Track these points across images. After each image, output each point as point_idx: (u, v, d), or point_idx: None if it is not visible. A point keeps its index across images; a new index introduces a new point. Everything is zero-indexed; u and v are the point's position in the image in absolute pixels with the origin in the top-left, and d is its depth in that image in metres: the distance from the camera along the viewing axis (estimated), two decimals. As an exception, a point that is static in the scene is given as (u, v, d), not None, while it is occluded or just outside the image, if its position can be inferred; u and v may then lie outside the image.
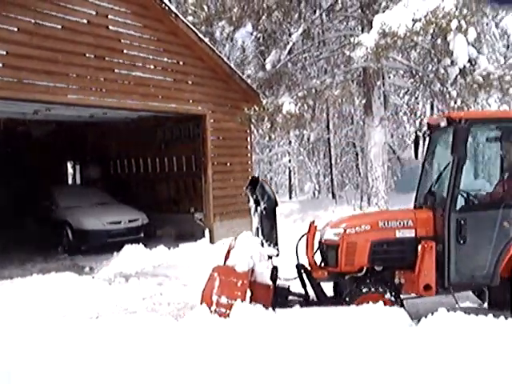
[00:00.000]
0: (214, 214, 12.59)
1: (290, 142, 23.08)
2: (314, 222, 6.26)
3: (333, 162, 19.20)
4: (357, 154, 20.68)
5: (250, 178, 6.22)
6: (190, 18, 14.21)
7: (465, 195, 5.71)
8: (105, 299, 7.46)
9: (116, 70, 10.50)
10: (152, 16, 11.16)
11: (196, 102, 12.23)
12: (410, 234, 5.74)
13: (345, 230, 5.72)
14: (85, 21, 9.88)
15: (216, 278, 5.38)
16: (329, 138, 18.63)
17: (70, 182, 19.35)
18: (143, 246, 10.95)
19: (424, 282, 5.53)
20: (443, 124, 5.83)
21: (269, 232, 5.77)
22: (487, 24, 20.26)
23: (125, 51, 10.67)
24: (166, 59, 11.54)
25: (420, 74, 13.38)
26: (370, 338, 4.38)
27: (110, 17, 10.40)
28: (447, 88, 12.09)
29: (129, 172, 15.62)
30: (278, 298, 5.60)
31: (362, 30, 13.15)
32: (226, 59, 13.58)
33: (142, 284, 8.51)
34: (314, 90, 12.93)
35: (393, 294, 5.52)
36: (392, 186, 18.12)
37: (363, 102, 14.38)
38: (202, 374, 3.82)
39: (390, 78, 18.03)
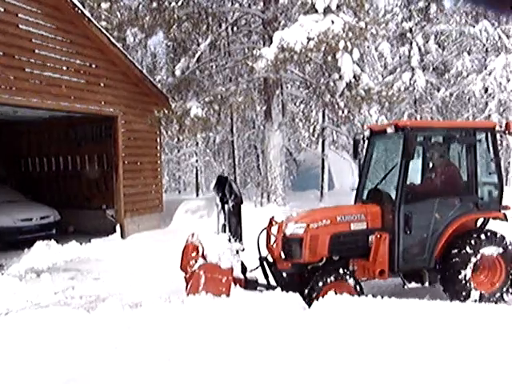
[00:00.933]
0: (125, 210, 12.20)
1: (197, 143, 22.95)
2: (273, 217, 6.44)
3: (236, 162, 19.36)
4: (258, 156, 21.01)
5: (217, 177, 6.16)
6: (104, 23, 13.60)
7: (409, 192, 6.01)
8: (15, 295, 6.93)
9: (27, 69, 9.79)
10: (65, 18, 10.54)
11: (108, 104, 11.77)
12: (363, 226, 6.01)
13: (308, 225, 5.80)
14: (-8, 17, 9.12)
15: (201, 276, 5.21)
16: (233, 141, 18.75)
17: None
18: (55, 242, 10.33)
19: (379, 267, 5.82)
20: (390, 131, 6.06)
21: (235, 228, 5.73)
22: (368, 47, 21.50)
23: (36, 51, 9.97)
24: (78, 61, 10.95)
25: (313, 85, 13.86)
26: (266, 321, 4.44)
27: (20, 15, 9.65)
28: (336, 99, 12.65)
29: (41, 170, 14.65)
30: (248, 289, 5.58)
31: (264, 44, 13.37)
32: (137, 64, 13.18)
33: (54, 279, 8.01)
34: (219, 96, 12.94)
35: (353, 278, 5.71)
36: (289, 184, 18.63)
37: (264, 108, 14.62)
38: (113, 364, 3.68)
39: (287, 88, 18.52)
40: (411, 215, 5.92)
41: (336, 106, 12.71)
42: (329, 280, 5.53)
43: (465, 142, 6.37)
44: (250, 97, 14.45)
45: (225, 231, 5.78)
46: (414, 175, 6.53)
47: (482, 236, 6.11)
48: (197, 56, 13.76)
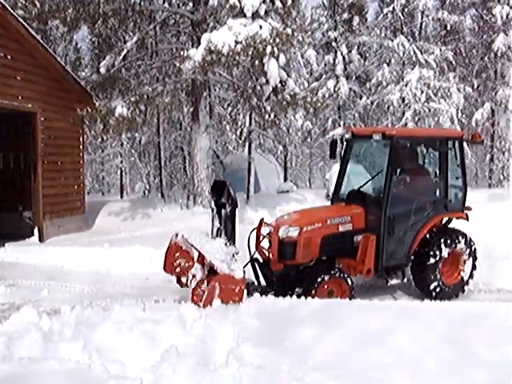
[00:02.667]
0: (44, 212, 11.57)
1: (122, 143, 22.31)
2: (263, 219, 6.71)
3: (162, 164, 19.01)
4: (184, 158, 20.81)
5: (213, 181, 6.24)
6: (21, 13, 12.79)
7: (395, 195, 6.41)
8: None
9: None
10: (-23, 6, 9.85)
11: (26, 99, 11.11)
12: (349, 227, 6.37)
13: (302, 228, 6.06)
14: None
15: (216, 288, 5.21)
16: (159, 142, 18.39)
17: None
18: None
19: (367, 266, 6.23)
20: (378, 138, 6.39)
21: (230, 232, 5.82)
22: (295, 53, 22.04)
23: None
24: (-8, 52, 10.28)
25: (241, 88, 13.98)
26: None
27: None
28: (263, 103, 12.83)
29: None
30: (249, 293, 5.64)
31: (192, 45, 13.28)
32: (59, 59, 12.59)
33: (-38, 286, 7.44)
34: (145, 96, 12.68)
35: (346, 275, 6.09)
36: (215, 186, 18.60)
37: (191, 110, 14.53)
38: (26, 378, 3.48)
39: (215, 90, 18.50)
40: (394, 217, 6.38)
41: (263, 110, 12.90)
42: (326, 277, 5.90)
43: (439, 149, 6.93)
44: (178, 98, 14.32)
45: (219, 235, 5.84)
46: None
47: (449, 235, 6.73)
48: (123, 54, 13.38)
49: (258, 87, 12.70)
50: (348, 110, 25.32)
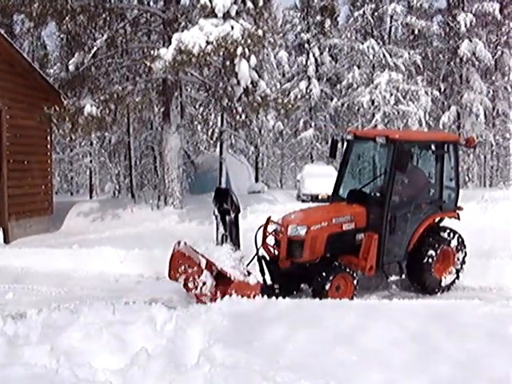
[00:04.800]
0: (10, 213, 11.25)
1: (92, 143, 21.92)
2: (270, 217, 6.87)
3: (133, 163, 18.76)
4: (155, 158, 20.58)
5: (215, 188, 6.45)
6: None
7: (396, 196, 6.77)
8: None
9: None
10: None
11: (-10, 96, 10.82)
12: (352, 226, 6.66)
13: (309, 227, 6.32)
14: None
15: (232, 295, 5.37)
16: (129, 141, 18.14)
17: None
18: None
19: (369, 263, 6.50)
20: (381, 141, 6.72)
21: (235, 238, 6.09)
22: (267, 55, 22.12)
23: None
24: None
25: (212, 89, 13.93)
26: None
27: None
28: (234, 104, 12.82)
29: None
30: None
31: (164, 45, 13.16)
32: (25, 55, 12.28)
33: None
34: (115, 95, 12.51)
35: (352, 271, 6.41)
36: (186, 187, 18.49)
37: (162, 109, 14.39)
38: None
39: (187, 90, 18.40)
40: (395, 217, 6.69)
41: (234, 111, 12.89)
42: (336, 274, 6.25)
43: (436, 151, 7.22)
44: (148, 97, 14.16)
45: (223, 241, 6.05)
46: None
47: (442, 233, 7.10)
48: (93, 52, 13.15)
49: (229, 88, 12.68)
50: (319, 111, 25.58)
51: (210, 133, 21.26)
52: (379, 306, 5.07)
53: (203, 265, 5.78)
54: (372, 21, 23.02)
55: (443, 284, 7.09)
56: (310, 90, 24.55)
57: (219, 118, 18.11)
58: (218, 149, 19.09)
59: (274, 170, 31.03)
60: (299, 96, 23.60)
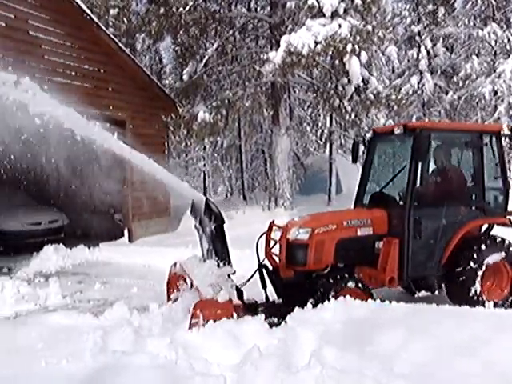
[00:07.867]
0: (133, 214, 12.26)
1: (205, 147, 23.00)
2: (273, 221, 6.10)
3: (244, 166, 19.36)
4: (265, 160, 21.01)
5: (191, 201, 5.44)
6: (111, 30, 13.75)
7: (418, 196, 5.72)
8: (24, 299, 6.97)
9: (37, 75, 9.87)
10: (73, 24, 10.66)
11: (116, 109, 11.83)
12: (369, 231, 5.73)
13: (313, 230, 5.47)
14: (3, 23, 9.23)
15: (199, 315, 4.54)
16: (240, 145, 18.76)
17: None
18: (63, 246, 10.42)
19: (389, 275, 5.55)
20: (399, 131, 5.83)
21: (221, 251, 5.12)
22: (376, 51, 21.45)
23: (46, 57, 10.09)
24: (86, 66, 11.06)
25: (321, 89, 13.87)
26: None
27: (30, 22, 9.79)
28: (344, 103, 12.64)
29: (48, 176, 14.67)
30: (249, 314, 4.88)
31: (271, 49, 13.42)
32: (145, 69, 13.28)
33: (62, 283, 7.99)
34: (226, 101, 13.00)
35: (363, 286, 5.39)
36: (296, 188, 18.60)
37: (271, 112, 14.65)
38: (120, 369, 3.69)
39: (295, 92, 18.53)
40: (420, 220, 5.68)
41: (343, 110, 12.70)
42: (341, 288, 5.18)
43: (472, 144, 6.23)
44: (258, 101, 14.51)
45: (210, 256, 5.13)
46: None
47: (483, 246, 5.90)
48: (204, 61, 13.84)
49: (340, 87, 12.52)
50: (433, 106, 24.20)
51: (319, 134, 21.19)
52: (506, 317, 4.64)
53: (189, 284, 5.04)
54: (494, 2, 21.19)
55: (498, 306, 5.81)
56: (423, 85, 23.32)
57: (328, 119, 17.96)
58: (327, 149, 18.94)
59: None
60: (410, 92, 22.55)
